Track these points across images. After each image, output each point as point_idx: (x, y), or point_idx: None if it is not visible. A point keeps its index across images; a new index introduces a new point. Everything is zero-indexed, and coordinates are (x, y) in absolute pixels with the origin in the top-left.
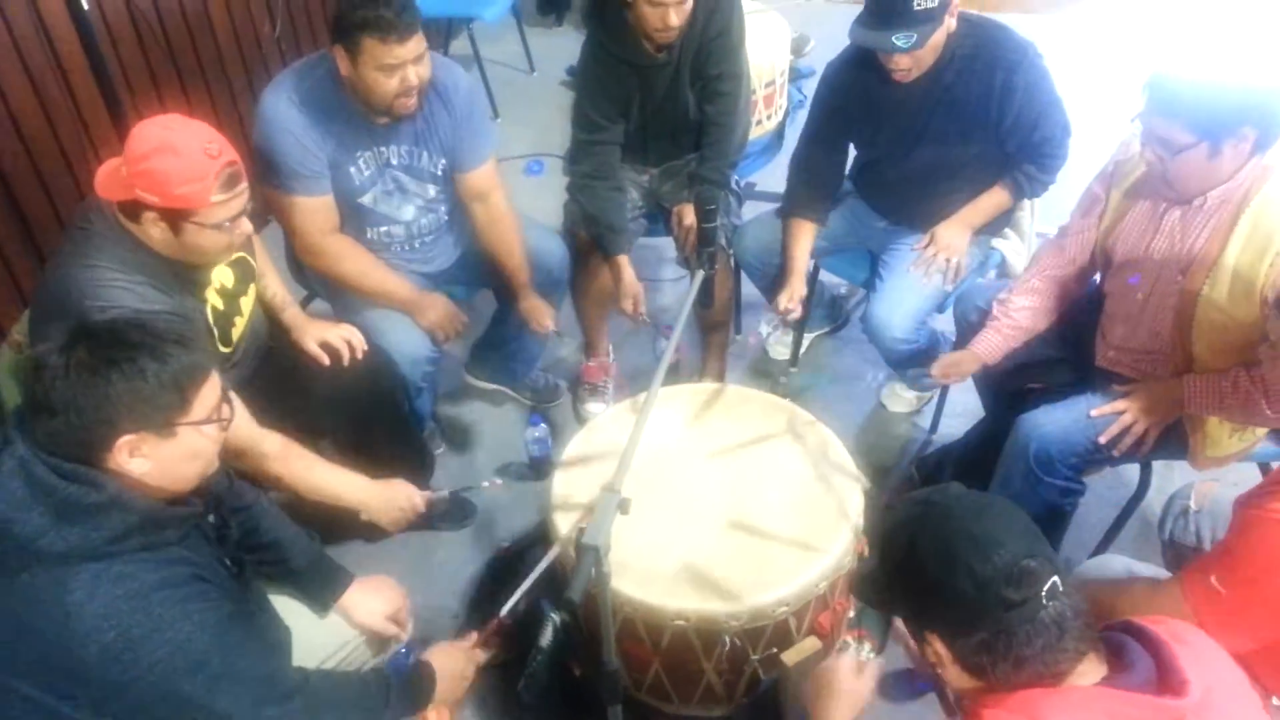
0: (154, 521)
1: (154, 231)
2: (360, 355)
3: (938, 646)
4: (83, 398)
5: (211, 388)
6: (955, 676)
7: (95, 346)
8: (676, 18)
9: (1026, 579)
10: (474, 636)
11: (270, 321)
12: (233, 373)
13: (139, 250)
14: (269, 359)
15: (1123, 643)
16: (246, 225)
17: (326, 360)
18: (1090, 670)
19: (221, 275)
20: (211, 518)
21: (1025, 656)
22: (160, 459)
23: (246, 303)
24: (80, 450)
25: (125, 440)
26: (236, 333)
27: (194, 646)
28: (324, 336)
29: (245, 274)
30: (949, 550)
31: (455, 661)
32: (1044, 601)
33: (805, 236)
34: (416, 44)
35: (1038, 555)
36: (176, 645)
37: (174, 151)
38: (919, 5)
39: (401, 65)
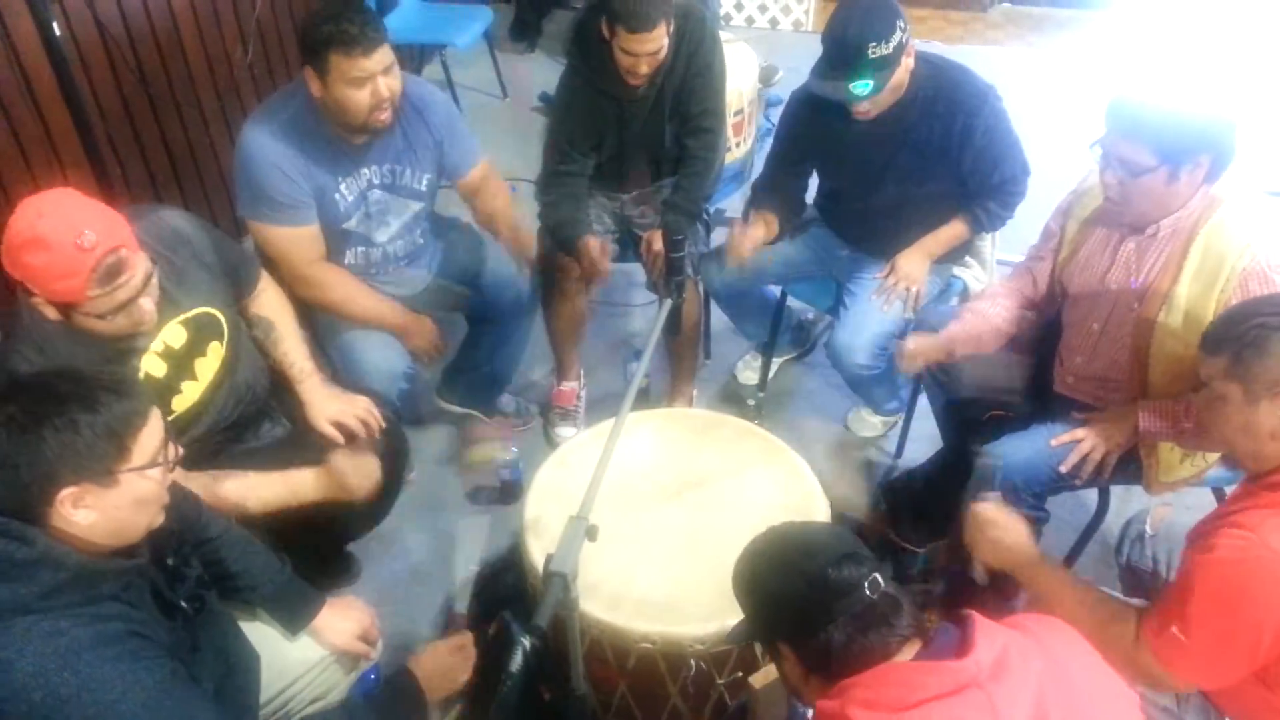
0: (88, 577)
1: (48, 312)
2: (378, 434)
3: (787, 654)
4: (17, 455)
5: (152, 431)
6: (802, 682)
7: (26, 402)
8: (647, 67)
9: (847, 573)
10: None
11: (282, 385)
12: (210, 436)
13: (47, 323)
14: (277, 423)
15: (936, 626)
16: (146, 306)
17: (342, 441)
18: (908, 651)
19: (167, 336)
20: (170, 560)
21: (859, 647)
22: (105, 509)
23: (206, 364)
24: (20, 506)
25: (67, 493)
26: (183, 399)
27: (124, 708)
28: (338, 417)
29: (204, 331)
30: (782, 561)
31: (438, 660)
32: (867, 592)
33: (766, 221)
34: (383, 55)
35: (857, 556)
36: (106, 705)
37: (44, 247)
38: (874, 53)
39: (370, 77)
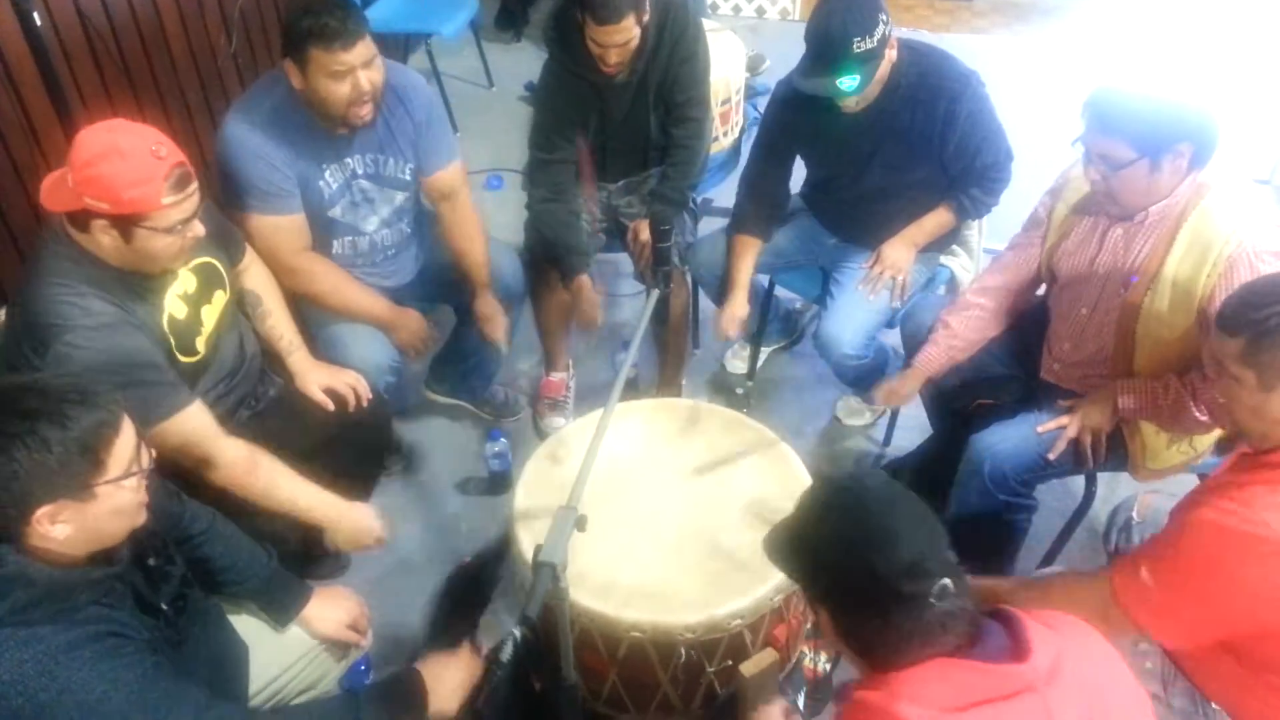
0: (62, 590)
1: (104, 240)
2: (365, 403)
3: (825, 619)
4: None
5: (125, 440)
6: (838, 643)
7: None
8: (616, 57)
9: (919, 578)
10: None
11: (272, 357)
12: (219, 386)
13: (83, 261)
14: (270, 384)
15: (982, 624)
16: (198, 228)
17: (331, 406)
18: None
19: (184, 281)
20: (152, 560)
21: (902, 646)
22: (83, 522)
23: (211, 311)
24: None
25: (43, 511)
26: (202, 341)
27: (108, 707)
28: (329, 383)
29: (210, 280)
30: (852, 538)
31: (451, 671)
32: (931, 602)
33: (749, 254)
34: (364, 49)
35: (934, 557)
36: (89, 707)
37: (120, 155)
38: (859, 48)
39: (351, 71)
